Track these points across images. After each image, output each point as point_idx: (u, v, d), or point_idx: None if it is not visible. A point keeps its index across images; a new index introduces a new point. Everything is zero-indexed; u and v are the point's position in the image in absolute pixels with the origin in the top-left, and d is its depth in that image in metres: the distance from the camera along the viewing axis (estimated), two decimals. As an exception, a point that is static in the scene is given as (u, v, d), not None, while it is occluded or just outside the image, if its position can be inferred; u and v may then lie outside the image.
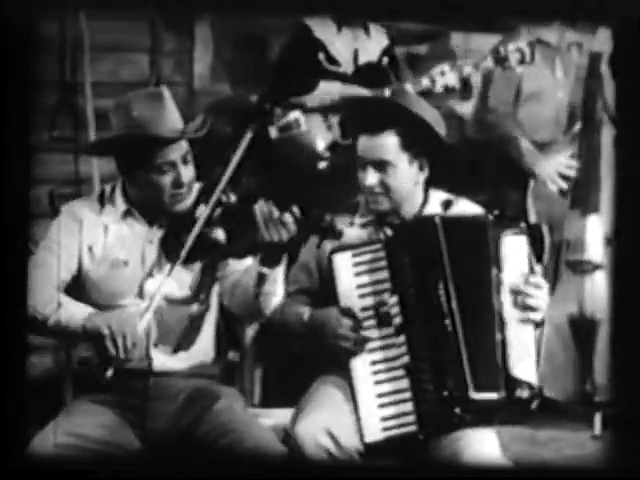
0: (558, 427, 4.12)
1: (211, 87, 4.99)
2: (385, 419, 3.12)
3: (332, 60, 4.43)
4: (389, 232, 3.20)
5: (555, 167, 4.54)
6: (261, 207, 3.01)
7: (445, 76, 4.29)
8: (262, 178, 4.09)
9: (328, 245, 3.23)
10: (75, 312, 3.08)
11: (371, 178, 3.25)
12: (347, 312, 3.19)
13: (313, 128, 4.36)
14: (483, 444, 3.06)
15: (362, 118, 3.34)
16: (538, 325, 3.15)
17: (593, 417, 4.10)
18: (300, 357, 3.49)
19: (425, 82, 4.31)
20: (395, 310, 3.16)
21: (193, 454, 3.11)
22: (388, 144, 3.24)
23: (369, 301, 3.20)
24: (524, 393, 3.08)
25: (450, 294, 3.10)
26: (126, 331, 2.97)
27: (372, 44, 4.50)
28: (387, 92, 4.28)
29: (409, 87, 4.22)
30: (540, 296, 3.13)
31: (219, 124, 4.32)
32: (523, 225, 3.21)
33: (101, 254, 3.22)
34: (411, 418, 3.11)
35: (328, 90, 4.40)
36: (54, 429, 3.08)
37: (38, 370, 4.24)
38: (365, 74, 4.45)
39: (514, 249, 3.17)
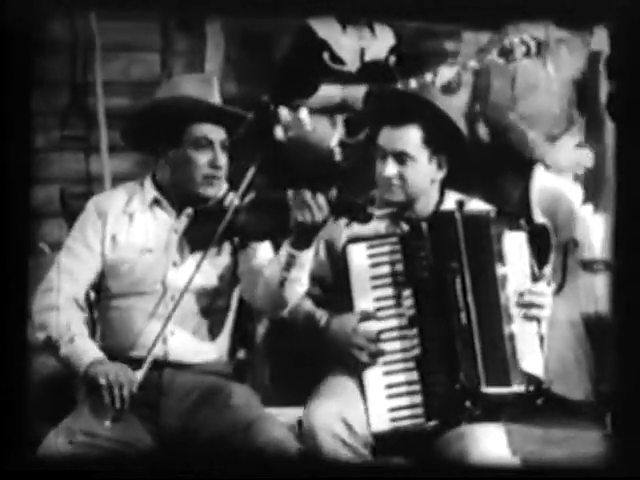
0: (570, 426, 4.11)
1: (222, 87, 4.99)
2: (393, 410, 3.13)
3: (337, 59, 4.43)
4: (405, 227, 3.21)
5: (569, 155, 4.52)
6: (295, 192, 3.04)
7: (450, 70, 4.29)
8: (269, 178, 4.09)
9: (343, 235, 3.26)
10: (82, 354, 3.10)
11: (390, 169, 3.26)
12: (366, 317, 3.20)
13: (318, 127, 4.36)
14: (490, 442, 3.07)
15: (386, 109, 3.34)
16: (539, 323, 3.18)
17: (605, 416, 4.09)
18: (310, 356, 3.48)
19: (429, 76, 4.31)
20: (409, 302, 3.16)
21: (206, 451, 3.11)
22: (410, 137, 3.25)
23: (383, 292, 3.21)
24: (532, 387, 3.09)
25: (467, 288, 3.12)
26: (123, 381, 3.00)
27: (378, 43, 4.50)
28: (413, 84, 4.29)
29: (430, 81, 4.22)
30: (544, 304, 3.16)
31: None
32: (522, 222, 3.23)
33: (124, 242, 3.23)
34: (419, 410, 3.12)
35: (329, 93, 4.40)
36: (66, 428, 3.09)
37: (50, 369, 4.24)
38: (370, 71, 4.45)
39: (515, 245, 3.19)
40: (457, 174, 3.35)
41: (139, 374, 3.04)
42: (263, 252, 3.20)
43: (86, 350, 3.12)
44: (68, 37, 4.68)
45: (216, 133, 3.21)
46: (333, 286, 3.35)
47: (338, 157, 4.36)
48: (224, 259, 3.24)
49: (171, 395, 3.18)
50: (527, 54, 4.30)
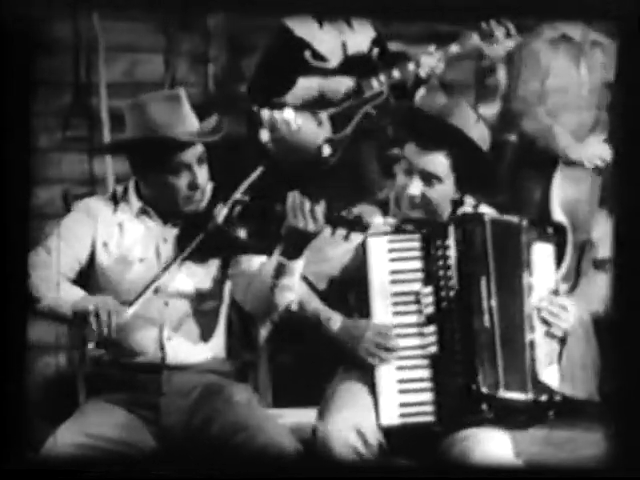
0: (574, 427, 4.10)
1: (226, 87, 5.00)
2: (403, 405, 3.12)
3: (318, 56, 4.43)
4: (425, 231, 3.21)
5: (591, 148, 4.52)
6: (293, 196, 3.02)
7: (431, 57, 4.30)
8: (259, 181, 4.09)
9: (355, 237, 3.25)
10: (70, 294, 3.08)
11: (415, 188, 3.23)
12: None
13: (303, 126, 4.36)
14: (494, 443, 3.06)
15: (413, 129, 3.29)
16: (561, 341, 3.17)
17: (610, 417, 4.07)
18: (314, 357, 3.48)
19: (411, 66, 4.32)
20: (428, 300, 3.16)
21: (207, 449, 3.11)
22: (441, 162, 3.22)
23: (402, 288, 3.19)
24: (545, 397, 3.08)
25: (491, 291, 3.11)
26: (110, 308, 2.97)
27: (359, 36, 4.50)
28: (396, 74, 4.29)
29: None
30: (564, 317, 3.14)
31: (232, 124, 4.33)
32: (551, 232, 3.22)
33: (116, 251, 3.23)
34: (429, 408, 3.11)
35: (307, 85, 4.40)
36: (68, 429, 3.09)
37: (52, 370, 4.25)
38: (353, 64, 4.45)
39: (542, 256, 3.18)
40: (482, 187, 3.35)
41: (130, 309, 3.03)
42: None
43: (73, 291, 3.10)
44: (71, 37, 4.68)
45: (192, 153, 3.17)
46: (337, 284, 3.34)
47: (327, 152, 4.35)
48: (215, 261, 3.24)
49: (171, 395, 3.18)
50: (508, 35, 4.31)
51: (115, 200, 3.30)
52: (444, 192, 3.26)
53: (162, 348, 3.19)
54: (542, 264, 3.18)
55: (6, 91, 2.89)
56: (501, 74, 4.95)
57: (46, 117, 4.57)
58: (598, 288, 4.43)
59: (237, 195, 3.14)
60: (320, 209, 2.99)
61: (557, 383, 3.13)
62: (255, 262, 3.18)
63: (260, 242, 3.13)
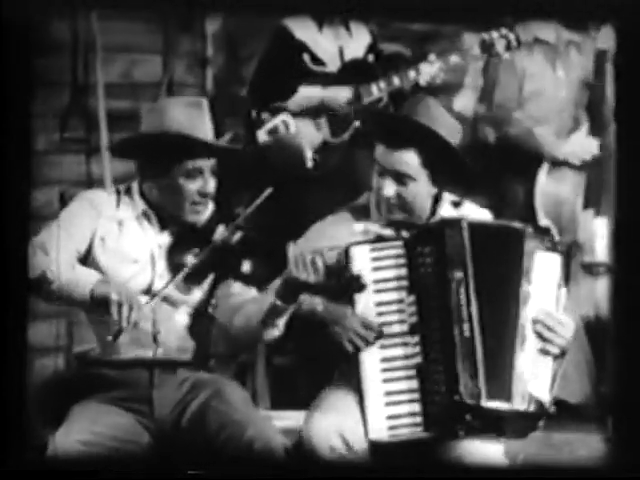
0: (571, 429, 4.10)
1: (224, 88, 5.00)
2: (391, 418, 3.10)
3: (317, 60, 4.44)
4: (407, 234, 3.19)
5: (576, 145, 4.53)
6: (294, 248, 3.05)
7: (432, 66, 4.31)
8: (253, 183, 4.09)
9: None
10: (87, 276, 3.13)
11: (389, 189, 3.23)
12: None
13: (302, 129, 4.37)
14: (487, 447, 3.06)
15: (380, 131, 3.31)
16: (557, 357, 3.12)
17: (607, 419, 4.08)
18: (312, 359, 3.48)
19: (412, 74, 4.32)
20: (411, 309, 3.14)
21: (199, 444, 3.12)
22: (410, 160, 3.22)
23: (384, 297, 3.18)
24: (532, 407, 3.05)
25: (470, 299, 3.07)
26: (133, 303, 3.02)
27: (355, 41, 4.52)
28: (396, 81, 4.30)
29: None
30: (560, 333, 3.09)
31: (230, 126, 4.33)
32: (559, 243, 3.16)
33: (113, 247, 3.25)
34: (418, 419, 3.09)
35: (309, 94, 4.41)
36: (68, 431, 3.10)
37: (51, 371, 4.24)
38: (351, 71, 4.46)
39: (546, 266, 3.12)
40: (456, 182, 3.34)
41: (147, 307, 3.08)
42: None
43: (90, 273, 3.15)
44: (69, 38, 4.68)
45: (207, 162, 3.21)
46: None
47: (310, 164, 4.36)
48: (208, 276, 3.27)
49: (163, 387, 3.22)
50: (508, 48, 4.32)
51: (118, 196, 3.30)
52: (419, 190, 3.25)
53: (155, 340, 3.21)
54: (544, 274, 3.11)
55: (6, 91, 2.89)
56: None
57: (44, 118, 4.56)
58: (588, 291, 4.42)
59: (240, 220, 3.16)
60: (321, 261, 3.01)
61: (547, 396, 3.08)
62: (246, 291, 3.21)
63: (254, 276, 3.15)
